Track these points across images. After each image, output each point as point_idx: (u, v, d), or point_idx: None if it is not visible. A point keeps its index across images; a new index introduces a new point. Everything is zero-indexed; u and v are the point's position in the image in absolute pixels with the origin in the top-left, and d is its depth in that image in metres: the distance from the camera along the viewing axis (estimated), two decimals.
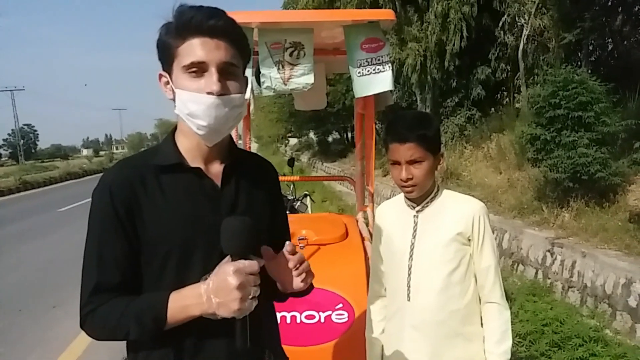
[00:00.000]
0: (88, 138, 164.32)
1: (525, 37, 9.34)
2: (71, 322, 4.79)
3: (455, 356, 1.66)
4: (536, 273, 5.28)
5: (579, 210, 5.57)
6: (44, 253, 8.30)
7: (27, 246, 9.02)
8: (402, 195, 1.78)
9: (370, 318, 1.88)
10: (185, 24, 1.12)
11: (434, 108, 12.10)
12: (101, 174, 1.25)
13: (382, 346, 1.84)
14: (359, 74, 2.49)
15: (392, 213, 1.80)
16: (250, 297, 1.05)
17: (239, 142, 3.08)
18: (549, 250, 5.16)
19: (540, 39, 9.45)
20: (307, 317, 2.25)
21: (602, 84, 5.67)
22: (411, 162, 1.61)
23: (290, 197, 5.45)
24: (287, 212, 4.95)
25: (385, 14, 2.48)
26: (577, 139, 5.47)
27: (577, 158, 5.38)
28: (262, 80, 2.45)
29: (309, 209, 5.65)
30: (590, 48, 8.96)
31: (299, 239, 2.48)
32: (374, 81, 2.50)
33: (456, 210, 1.67)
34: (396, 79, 12.05)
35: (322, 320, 2.25)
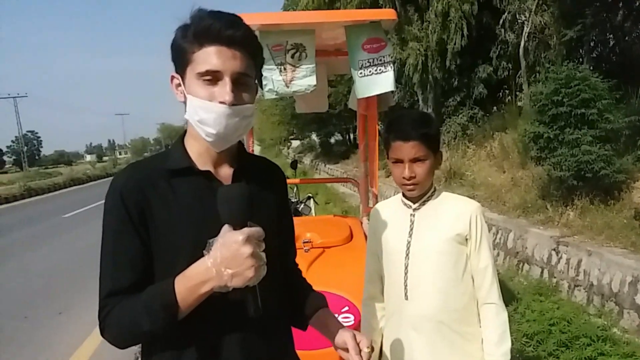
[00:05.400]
0: (91, 144, 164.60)
1: (526, 34, 9.31)
2: (77, 328, 4.82)
3: (453, 356, 1.66)
4: (542, 272, 5.25)
5: (583, 208, 5.53)
6: (49, 259, 8.31)
7: (32, 252, 9.02)
8: (397, 196, 1.79)
9: (365, 319, 1.86)
10: (204, 31, 1.11)
11: (436, 107, 12.09)
12: (107, 179, 1.25)
13: (381, 346, 1.83)
14: (360, 75, 2.48)
15: (387, 212, 1.79)
16: (262, 263, 1.05)
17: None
18: (554, 249, 5.13)
19: (541, 36, 9.42)
20: None
21: (605, 81, 5.63)
22: (414, 161, 1.61)
23: (293, 200, 5.45)
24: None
25: (387, 14, 2.47)
26: (580, 136, 5.43)
27: (581, 156, 5.34)
28: (264, 83, 2.43)
29: (313, 211, 5.64)
30: (592, 44, 8.93)
31: (304, 242, 2.47)
32: (376, 82, 2.48)
33: (453, 209, 1.68)
34: (398, 79, 12.03)
35: None
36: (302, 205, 5.36)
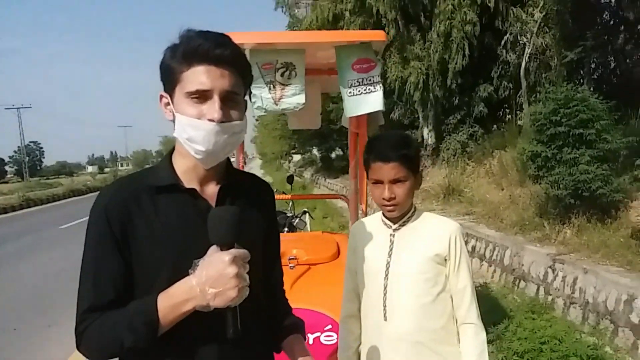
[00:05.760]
0: (93, 155, 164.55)
1: (528, 55, 9.39)
2: (66, 341, 4.76)
3: None
4: (538, 289, 5.23)
5: (580, 226, 5.52)
6: (41, 270, 8.28)
7: (25, 264, 9.01)
8: (377, 214, 1.79)
9: (342, 338, 1.85)
10: (192, 51, 1.12)
11: (436, 125, 12.13)
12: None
13: None
14: (349, 94, 2.50)
15: (368, 231, 1.79)
16: (245, 284, 1.06)
17: (232, 159, 3.07)
18: (550, 267, 5.11)
19: (543, 57, 9.50)
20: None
21: (604, 102, 5.65)
22: (394, 182, 1.62)
23: (289, 215, 5.44)
24: (286, 229, 4.94)
25: (377, 35, 2.50)
26: (578, 155, 5.44)
27: (579, 175, 5.35)
28: (253, 100, 2.45)
29: (308, 226, 5.63)
30: (593, 66, 8.99)
31: (289, 259, 2.46)
32: (365, 101, 2.50)
33: (432, 230, 1.69)
34: (398, 97, 12.14)
35: (311, 342, 2.23)
36: (297, 220, 5.35)
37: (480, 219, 7.63)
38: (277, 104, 2.47)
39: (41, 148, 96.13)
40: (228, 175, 1.29)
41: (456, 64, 10.36)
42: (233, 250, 1.05)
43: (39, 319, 5.61)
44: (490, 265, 6.42)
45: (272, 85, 2.46)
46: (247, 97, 1.29)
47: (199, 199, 1.22)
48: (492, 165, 9.47)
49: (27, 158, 66.91)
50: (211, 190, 1.25)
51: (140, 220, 1.16)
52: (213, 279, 1.03)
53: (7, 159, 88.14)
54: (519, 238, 6.12)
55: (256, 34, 2.43)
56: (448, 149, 11.40)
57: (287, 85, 2.45)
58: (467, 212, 8.25)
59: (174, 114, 1.17)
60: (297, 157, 33.29)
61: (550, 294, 4.98)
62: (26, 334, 5.31)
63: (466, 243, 7.08)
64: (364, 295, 1.77)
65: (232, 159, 3.15)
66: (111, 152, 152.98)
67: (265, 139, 28.53)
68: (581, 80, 8.39)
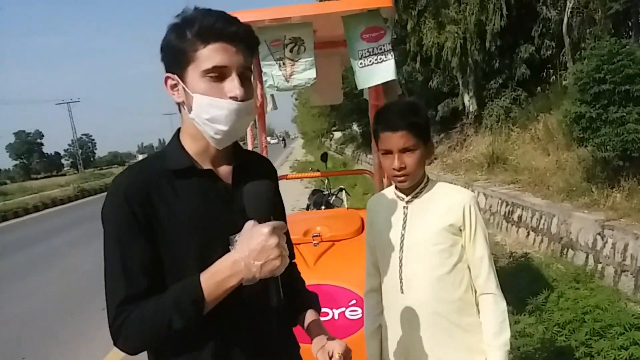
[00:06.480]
0: (143, 144, 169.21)
1: (569, 10, 8.88)
2: None
3: (454, 347, 1.64)
4: (587, 258, 5.02)
5: (630, 189, 5.23)
6: (94, 257, 8.61)
7: (79, 251, 9.40)
8: (391, 187, 1.76)
9: (367, 312, 1.86)
10: (208, 29, 1.12)
11: (477, 91, 11.77)
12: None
13: (381, 340, 1.82)
14: (361, 65, 2.42)
15: (382, 205, 1.78)
16: (286, 253, 1.10)
17: (255, 141, 3.05)
18: (599, 234, 4.89)
19: (586, 11, 8.95)
20: (320, 314, 2.23)
21: None
22: (403, 151, 1.58)
23: (325, 192, 5.42)
24: (323, 207, 4.93)
25: (383, 1, 2.39)
26: (625, 114, 5.14)
27: (627, 135, 5.06)
28: (264, 79, 2.43)
29: (345, 203, 5.60)
30: None
31: (313, 236, 2.46)
32: (377, 71, 2.42)
33: (446, 200, 1.65)
34: (436, 64, 11.83)
35: (336, 317, 2.24)
36: (333, 198, 5.34)
37: (526, 187, 7.38)
38: (288, 81, 2.43)
39: (93, 140, 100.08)
40: (237, 155, 1.29)
41: (494, 25, 9.99)
42: (271, 222, 1.08)
43: (93, 303, 5.83)
44: (537, 235, 6.22)
45: (282, 62, 2.42)
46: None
47: (217, 180, 1.22)
48: (538, 130, 9.09)
49: (80, 150, 69.96)
50: (225, 171, 1.25)
51: (161, 205, 1.15)
52: (257, 251, 1.06)
53: (62, 153, 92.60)
54: (566, 205, 5.88)
55: (262, 11, 2.38)
56: (491, 116, 11.04)
57: (296, 61, 2.41)
58: (512, 181, 8.00)
59: (187, 95, 1.15)
60: (338, 134, 33.17)
61: (600, 262, 4.77)
62: (82, 317, 5.60)
63: (512, 213, 6.99)
64: (382, 269, 1.77)
65: (255, 142, 3.15)
66: (159, 140, 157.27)
67: (305, 118, 28.52)
68: (629, 33, 7.87)
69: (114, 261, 1.14)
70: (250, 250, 1.06)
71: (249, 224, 1.10)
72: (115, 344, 1.11)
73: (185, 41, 1.13)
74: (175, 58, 1.16)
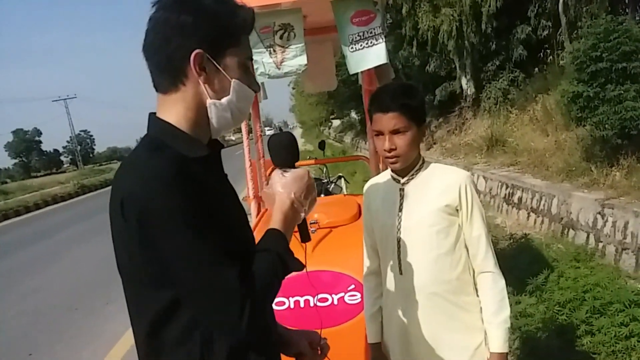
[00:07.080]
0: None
1: None
2: (123, 317, 5.03)
3: (453, 327, 1.66)
4: (587, 237, 5.03)
5: (630, 167, 5.22)
6: (97, 252, 8.54)
7: (81, 247, 9.43)
8: (387, 170, 1.77)
9: (367, 295, 1.88)
10: (251, 18, 1.12)
11: (474, 73, 11.69)
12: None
13: (382, 322, 1.84)
14: (352, 50, 2.40)
15: (379, 188, 1.79)
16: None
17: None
18: (599, 212, 4.89)
19: None
20: (320, 300, 2.26)
21: None
22: (394, 132, 1.59)
23: (324, 180, 5.41)
24: (322, 195, 4.95)
25: None
26: (623, 92, 5.11)
27: (624, 112, 5.04)
28: (255, 67, 2.40)
29: (344, 190, 5.60)
30: None
31: (311, 223, 2.46)
32: (368, 55, 2.39)
33: (441, 181, 1.66)
34: (432, 48, 11.75)
35: (336, 302, 2.26)
36: (332, 185, 5.33)
37: (526, 168, 7.37)
38: (279, 68, 2.41)
39: (91, 136, 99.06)
40: (211, 141, 1.20)
41: (490, 6, 9.89)
42: (303, 168, 1.19)
43: (97, 298, 5.92)
44: (538, 216, 6.22)
45: (272, 49, 2.40)
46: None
47: (219, 164, 1.20)
48: (536, 111, 9.05)
49: (79, 147, 69.71)
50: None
51: (199, 190, 1.01)
52: (303, 190, 1.17)
53: (61, 150, 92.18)
54: (565, 185, 5.88)
55: None
56: (489, 98, 10.97)
57: (287, 47, 2.39)
58: (511, 163, 7.99)
59: (222, 78, 1.07)
60: (336, 123, 33.01)
61: (601, 241, 4.78)
62: (86, 312, 5.63)
63: (512, 195, 6.98)
64: (380, 252, 1.79)
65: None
66: None
67: (303, 107, 28.40)
68: (625, 10, 7.80)
69: (201, 251, 0.97)
70: (298, 191, 1.16)
71: (276, 172, 1.19)
72: (245, 337, 0.99)
73: (238, 22, 1.08)
74: (222, 35, 1.06)
